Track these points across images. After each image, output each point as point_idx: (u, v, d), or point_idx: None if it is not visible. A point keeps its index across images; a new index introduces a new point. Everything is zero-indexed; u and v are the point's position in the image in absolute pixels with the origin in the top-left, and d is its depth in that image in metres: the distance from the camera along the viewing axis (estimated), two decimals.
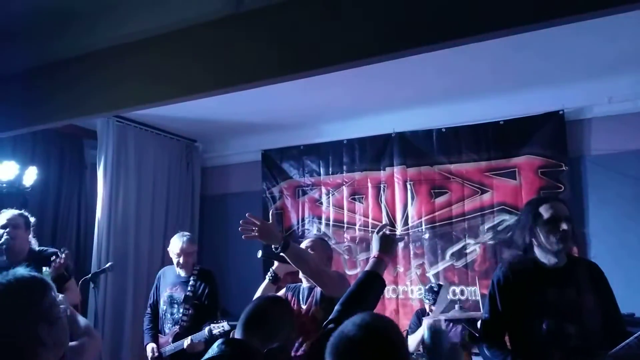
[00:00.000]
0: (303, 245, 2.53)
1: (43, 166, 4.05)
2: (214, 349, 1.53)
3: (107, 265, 3.51)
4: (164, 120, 4.68)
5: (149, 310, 3.58)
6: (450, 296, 3.68)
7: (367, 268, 1.72)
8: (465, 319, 3.10)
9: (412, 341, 3.34)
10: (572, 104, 3.96)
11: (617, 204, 3.81)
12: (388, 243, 1.77)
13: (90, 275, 3.15)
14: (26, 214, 3.20)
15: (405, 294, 4.34)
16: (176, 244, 3.46)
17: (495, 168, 4.17)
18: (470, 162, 4.25)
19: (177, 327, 3.37)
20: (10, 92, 2.46)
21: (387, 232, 1.78)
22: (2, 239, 2.97)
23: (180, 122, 4.74)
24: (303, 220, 4.86)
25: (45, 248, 3.24)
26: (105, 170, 4.28)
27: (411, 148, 4.46)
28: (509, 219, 4.05)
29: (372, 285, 1.67)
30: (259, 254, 2.41)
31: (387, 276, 4.39)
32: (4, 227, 3.01)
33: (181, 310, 3.39)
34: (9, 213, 3.09)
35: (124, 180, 4.45)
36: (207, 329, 3.14)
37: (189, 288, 3.42)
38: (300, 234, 4.78)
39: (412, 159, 4.45)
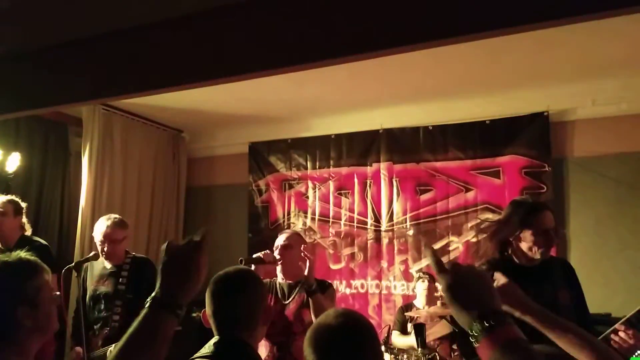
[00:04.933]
0: (280, 240, 2.52)
1: (26, 152, 3.99)
2: (209, 347, 1.49)
3: (91, 254, 3.44)
4: (150, 110, 4.64)
5: (76, 306, 3.01)
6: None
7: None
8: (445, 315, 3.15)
9: (402, 342, 3.40)
10: (557, 106, 4.02)
11: (598, 205, 3.89)
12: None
13: (73, 264, 3.11)
14: (16, 199, 3.17)
15: (389, 289, 4.38)
16: (99, 228, 2.96)
17: (480, 167, 4.22)
18: (456, 160, 4.29)
19: (107, 328, 2.86)
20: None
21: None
22: None
23: (167, 112, 4.70)
24: (289, 213, 4.87)
25: (37, 239, 3.21)
26: (90, 158, 4.23)
27: (398, 145, 4.48)
28: (492, 218, 4.10)
29: None
30: (241, 261, 2.40)
31: (370, 271, 4.45)
32: None
33: (111, 309, 2.87)
34: None
35: (109, 169, 4.41)
36: None
37: (120, 280, 2.90)
38: (285, 227, 4.79)
39: (398, 156, 4.48)
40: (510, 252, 2.09)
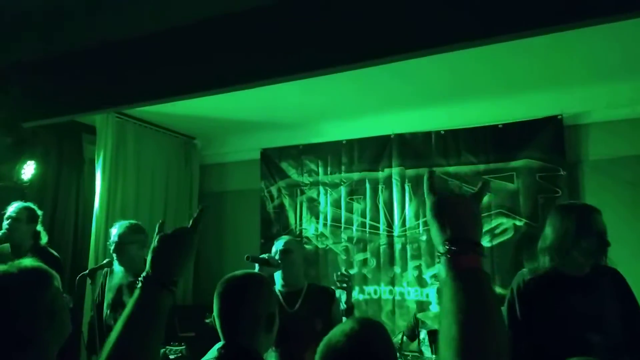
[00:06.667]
0: (280, 245, 2.53)
1: (41, 160, 4.03)
2: (213, 352, 1.49)
3: (105, 261, 3.46)
4: (163, 117, 4.68)
5: (92, 313, 2.95)
6: None
7: None
8: None
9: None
10: (571, 109, 3.97)
11: (614, 209, 3.81)
12: None
13: (87, 271, 3.13)
14: (33, 207, 3.20)
15: (402, 295, 4.35)
16: (113, 232, 2.95)
17: (493, 171, 4.18)
18: (469, 164, 4.26)
19: None
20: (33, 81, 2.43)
21: None
22: (1, 232, 3.03)
23: (179, 119, 4.74)
24: (301, 219, 4.87)
25: (50, 250, 3.22)
26: (103, 166, 4.27)
27: (410, 150, 4.47)
28: (506, 223, 4.06)
29: None
30: (247, 259, 2.41)
31: (384, 277, 4.42)
32: (6, 219, 3.06)
33: None
34: (14, 206, 3.12)
35: (122, 176, 4.45)
36: (162, 351, 2.49)
37: None
38: (297, 233, 4.79)
39: (410, 161, 4.46)
40: (558, 261, 1.98)
